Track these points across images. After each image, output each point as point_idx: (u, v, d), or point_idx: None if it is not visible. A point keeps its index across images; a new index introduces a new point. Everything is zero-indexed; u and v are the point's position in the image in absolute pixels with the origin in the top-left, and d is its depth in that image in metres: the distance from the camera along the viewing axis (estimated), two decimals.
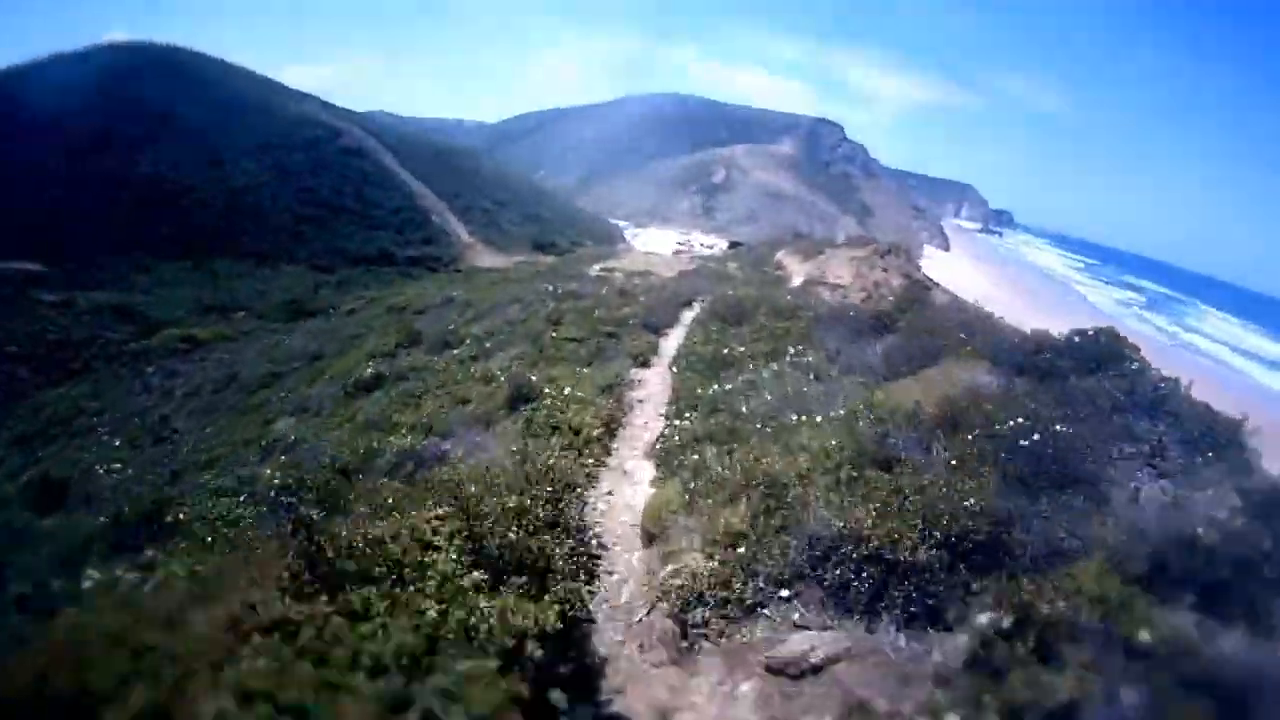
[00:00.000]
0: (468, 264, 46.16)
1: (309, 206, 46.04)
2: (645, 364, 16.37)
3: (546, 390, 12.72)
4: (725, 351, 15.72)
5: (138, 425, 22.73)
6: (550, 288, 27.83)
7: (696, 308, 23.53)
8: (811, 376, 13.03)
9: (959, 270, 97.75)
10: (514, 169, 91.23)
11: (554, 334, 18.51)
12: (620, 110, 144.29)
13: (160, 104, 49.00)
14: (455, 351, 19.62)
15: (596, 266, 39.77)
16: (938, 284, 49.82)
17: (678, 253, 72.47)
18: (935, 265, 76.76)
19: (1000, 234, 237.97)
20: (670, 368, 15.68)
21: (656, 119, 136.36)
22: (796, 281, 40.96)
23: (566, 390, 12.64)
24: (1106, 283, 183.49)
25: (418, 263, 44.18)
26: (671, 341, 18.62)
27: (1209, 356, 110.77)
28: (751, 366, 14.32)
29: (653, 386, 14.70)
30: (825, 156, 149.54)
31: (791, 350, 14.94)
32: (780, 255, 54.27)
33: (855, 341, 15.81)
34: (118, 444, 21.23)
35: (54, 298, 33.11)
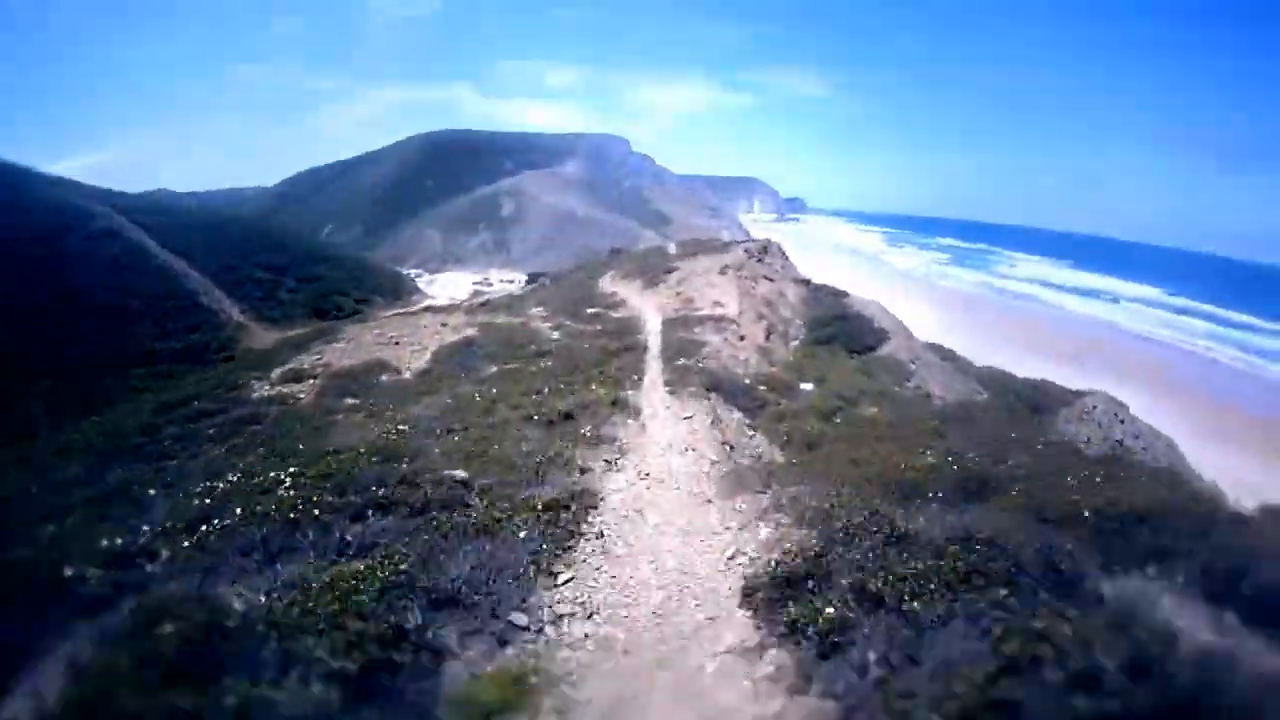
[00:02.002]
0: (242, 347, 44.26)
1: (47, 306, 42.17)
2: None
3: None
4: None
5: None
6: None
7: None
8: None
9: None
10: (297, 229, 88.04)
11: None
12: (399, 153, 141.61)
13: None
14: None
15: (280, 370, 28.78)
16: (833, 285, 47.03)
17: (474, 295, 72.16)
18: None
19: (798, 219, 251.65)
20: None
21: (436, 157, 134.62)
22: (653, 324, 31.79)
23: None
24: (919, 248, 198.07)
25: (183, 357, 41.74)
26: None
27: (1026, 298, 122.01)
28: None
29: None
30: (614, 172, 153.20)
31: None
32: (607, 283, 46.41)
33: None
34: None
35: None
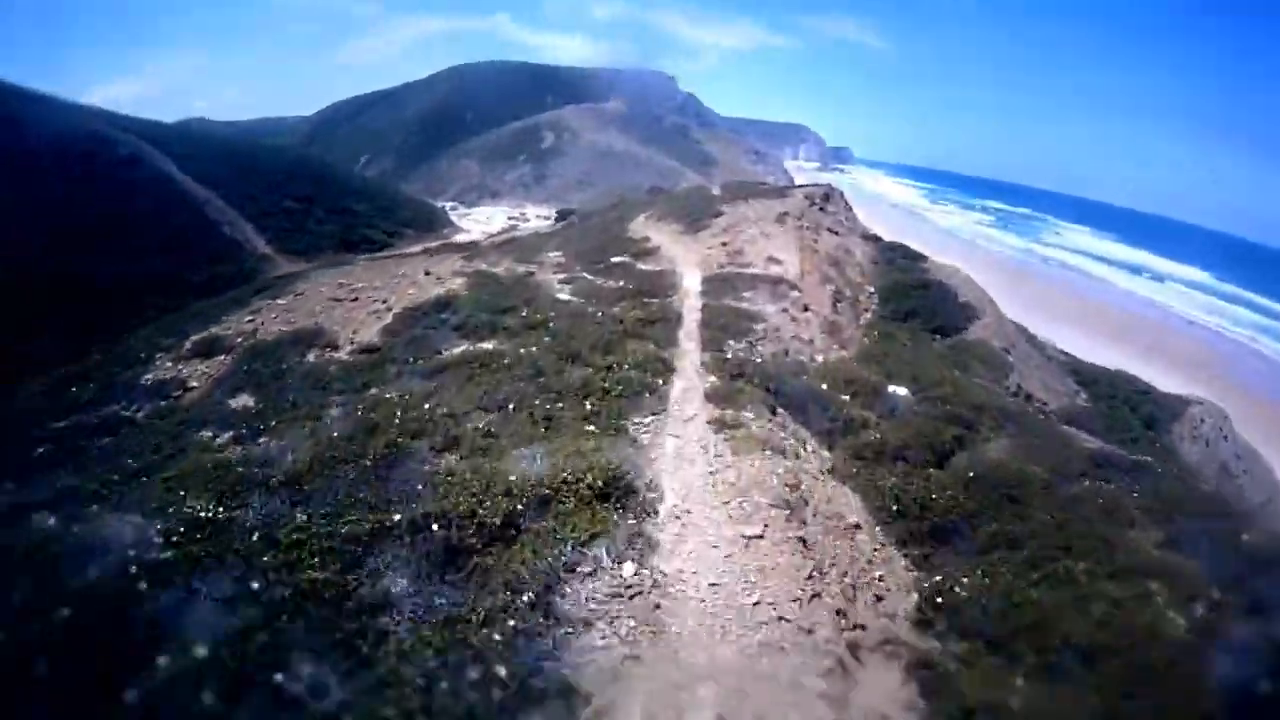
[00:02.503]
0: (263, 278, 42.74)
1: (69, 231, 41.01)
2: None
3: None
4: None
5: None
6: None
7: None
8: None
9: None
10: (332, 159, 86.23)
11: None
12: (439, 84, 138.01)
13: None
14: None
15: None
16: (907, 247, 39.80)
17: (507, 229, 70.01)
18: None
19: (842, 170, 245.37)
20: None
21: (476, 89, 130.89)
22: (691, 281, 26.33)
23: None
24: (961, 208, 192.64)
25: (204, 290, 40.21)
26: None
27: (1074, 270, 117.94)
28: None
29: None
30: (658, 109, 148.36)
31: None
32: (640, 224, 40.20)
33: None
34: None
35: None
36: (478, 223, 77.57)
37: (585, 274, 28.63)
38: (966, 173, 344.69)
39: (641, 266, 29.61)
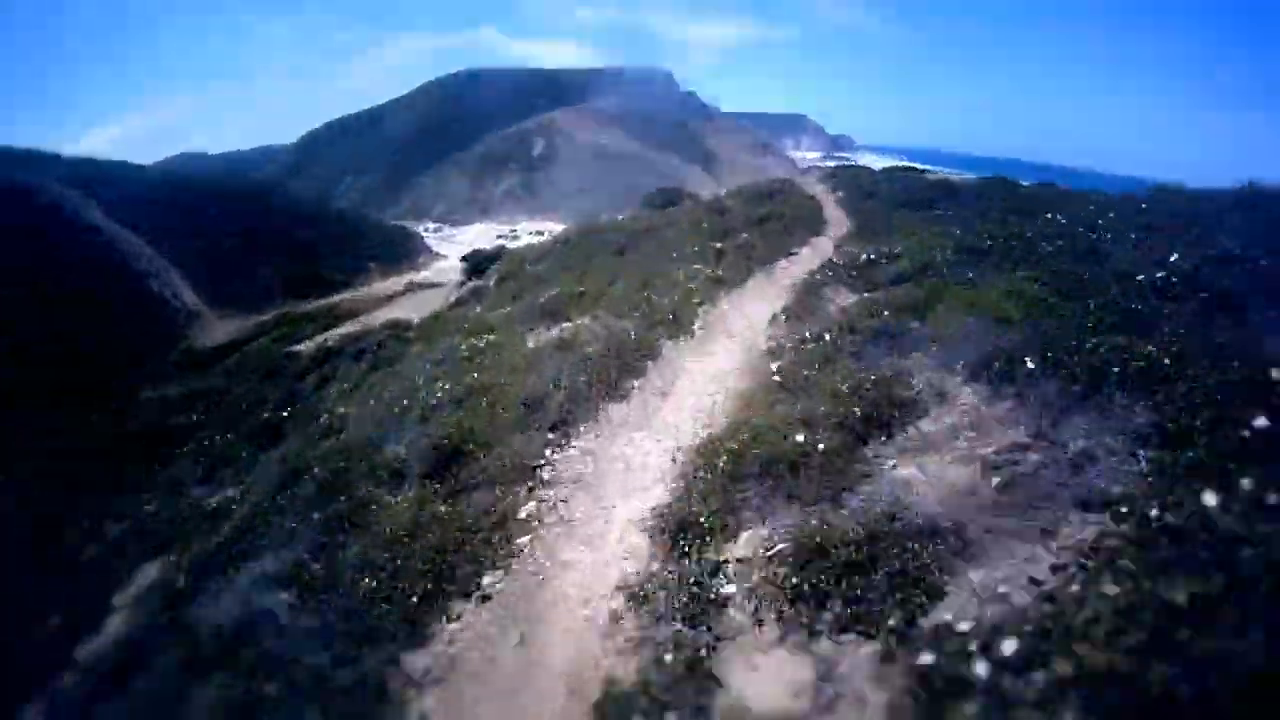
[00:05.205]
0: (188, 344, 35.45)
1: None
2: None
3: None
4: None
5: None
6: None
7: None
8: None
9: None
10: (315, 183, 79.66)
11: None
12: (421, 99, 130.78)
13: None
14: None
15: None
16: None
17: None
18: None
19: (847, 158, 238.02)
20: None
21: (461, 100, 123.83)
22: None
23: None
24: None
25: (109, 370, 32.81)
26: None
27: None
28: None
29: None
30: (656, 107, 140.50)
31: None
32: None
33: None
34: None
35: None
36: (463, 245, 70.08)
37: None
38: (978, 154, 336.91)
39: None
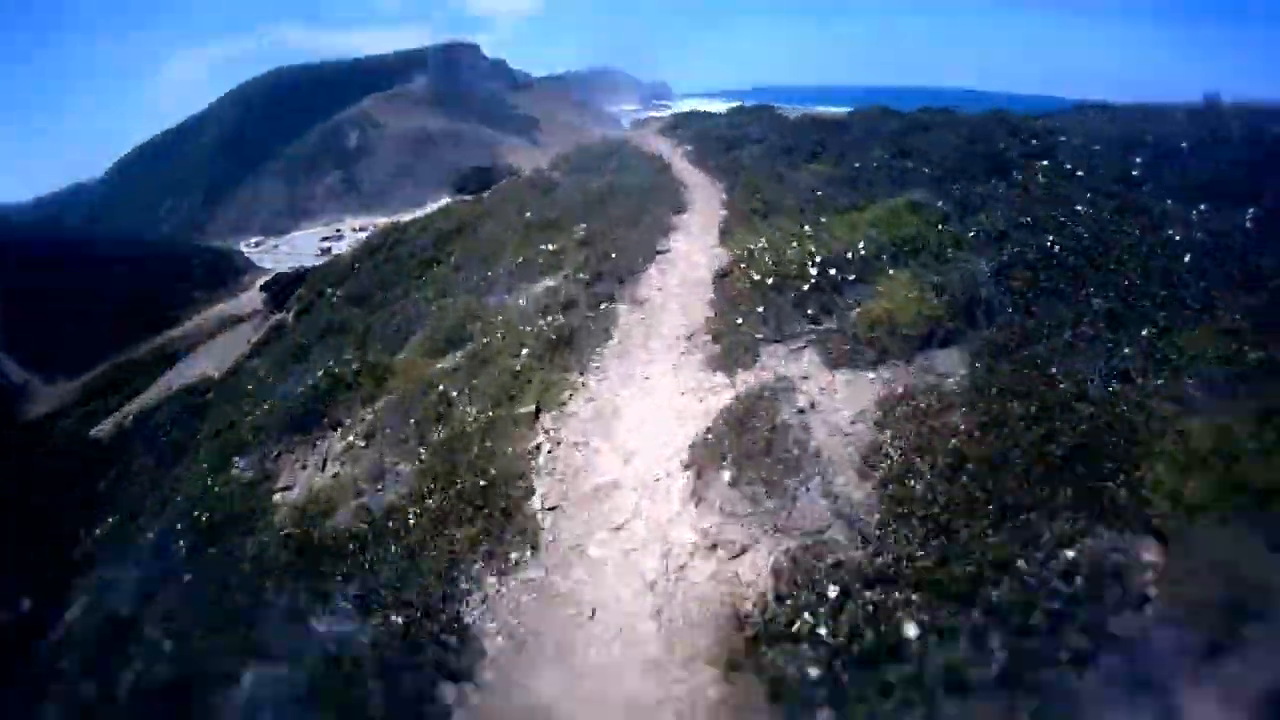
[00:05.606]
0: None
1: None
2: None
3: None
4: None
5: None
6: None
7: None
8: None
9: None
10: (130, 214, 75.77)
11: None
12: (227, 108, 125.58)
13: None
14: None
15: None
16: None
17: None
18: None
19: (668, 106, 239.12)
20: None
21: (270, 103, 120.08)
22: None
23: None
24: None
25: None
26: None
27: None
28: None
29: None
30: (467, 82, 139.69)
31: None
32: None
33: None
34: None
35: None
36: (288, 255, 69.40)
37: None
38: (810, 84, 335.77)
39: None
